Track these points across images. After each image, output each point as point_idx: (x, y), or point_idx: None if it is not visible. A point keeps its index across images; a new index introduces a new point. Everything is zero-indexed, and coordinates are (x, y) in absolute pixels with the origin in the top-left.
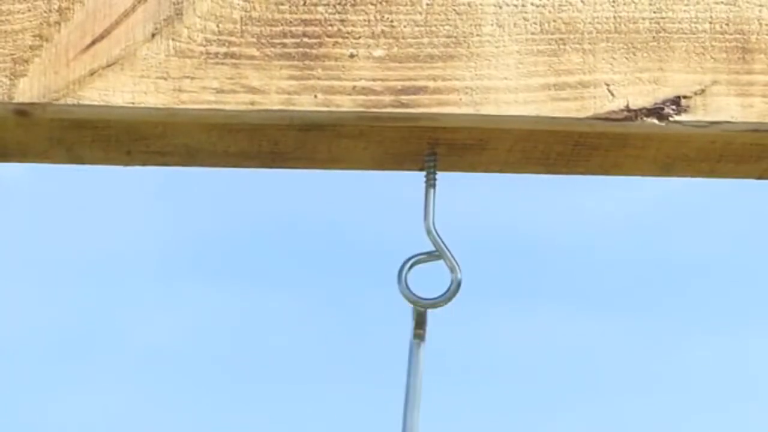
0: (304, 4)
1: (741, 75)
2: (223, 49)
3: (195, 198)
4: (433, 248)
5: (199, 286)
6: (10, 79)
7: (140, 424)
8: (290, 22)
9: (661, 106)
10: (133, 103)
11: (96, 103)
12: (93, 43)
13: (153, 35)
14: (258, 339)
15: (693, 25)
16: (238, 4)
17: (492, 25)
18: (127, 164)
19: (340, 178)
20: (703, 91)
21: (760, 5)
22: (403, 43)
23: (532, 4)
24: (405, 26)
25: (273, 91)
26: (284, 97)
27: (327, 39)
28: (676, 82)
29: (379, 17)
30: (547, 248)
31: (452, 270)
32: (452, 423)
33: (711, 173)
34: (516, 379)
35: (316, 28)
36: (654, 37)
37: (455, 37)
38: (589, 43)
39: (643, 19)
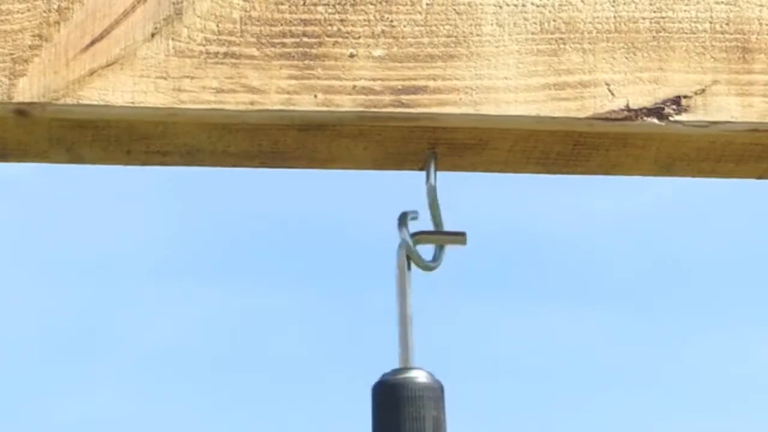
0: (304, 3)
1: (741, 75)
2: (223, 49)
3: (195, 198)
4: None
5: (199, 286)
6: (10, 79)
7: (140, 423)
8: (290, 21)
9: (662, 105)
10: (132, 102)
11: (96, 102)
12: (93, 42)
13: (153, 35)
14: (258, 339)
15: (693, 24)
16: (238, 4)
17: (492, 24)
18: (127, 164)
19: (340, 177)
20: (703, 90)
21: (760, 5)
22: (403, 42)
23: (532, 3)
24: (405, 26)
25: (273, 90)
26: (284, 97)
27: (327, 39)
28: (677, 81)
29: (379, 17)
30: (547, 248)
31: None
32: (452, 422)
33: (711, 173)
34: (516, 378)
35: (316, 28)
36: (654, 37)
37: (455, 36)
38: (589, 43)
39: (644, 18)
